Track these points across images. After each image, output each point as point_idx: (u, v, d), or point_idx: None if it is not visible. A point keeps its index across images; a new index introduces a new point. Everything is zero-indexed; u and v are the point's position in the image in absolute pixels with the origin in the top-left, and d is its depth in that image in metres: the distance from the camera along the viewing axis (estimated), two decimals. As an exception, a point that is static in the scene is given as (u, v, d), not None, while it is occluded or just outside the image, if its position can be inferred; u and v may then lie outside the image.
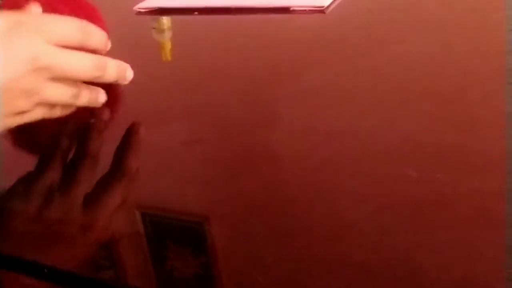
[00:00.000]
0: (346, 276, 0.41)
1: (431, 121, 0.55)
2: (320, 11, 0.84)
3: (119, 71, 0.56)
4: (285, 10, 0.86)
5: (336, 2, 0.86)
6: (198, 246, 0.46)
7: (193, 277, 0.43)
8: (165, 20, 0.88)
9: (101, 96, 0.56)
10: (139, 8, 0.96)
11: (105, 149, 0.57)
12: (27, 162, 0.57)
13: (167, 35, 0.86)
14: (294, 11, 0.85)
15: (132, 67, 0.58)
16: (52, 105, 0.53)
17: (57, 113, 0.54)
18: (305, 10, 0.85)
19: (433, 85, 0.62)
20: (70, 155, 0.57)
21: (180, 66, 0.77)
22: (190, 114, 0.63)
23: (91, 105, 0.56)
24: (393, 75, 0.65)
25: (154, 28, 0.87)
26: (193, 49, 0.80)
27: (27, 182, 0.53)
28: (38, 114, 0.52)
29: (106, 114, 0.61)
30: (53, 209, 0.50)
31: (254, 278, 0.41)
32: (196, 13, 0.91)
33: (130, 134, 0.58)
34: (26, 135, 0.60)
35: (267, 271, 0.42)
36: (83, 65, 0.52)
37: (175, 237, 0.47)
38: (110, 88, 0.58)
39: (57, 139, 0.58)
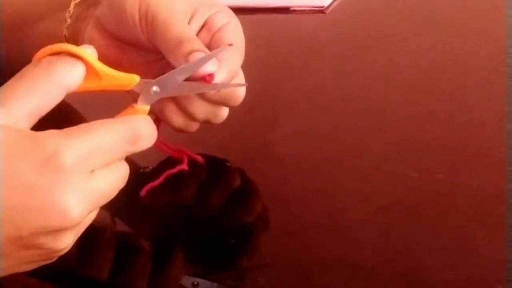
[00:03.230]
0: (346, 276, 0.41)
1: (431, 121, 0.55)
2: (320, 11, 0.84)
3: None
4: (285, 10, 0.86)
5: (336, 2, 0.86)
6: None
7: (193, 277, 0.43)
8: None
9: None
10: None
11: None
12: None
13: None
14: (294, 11, 0.85)
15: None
16: None
17: None
18: (305, 10, 0.85)
19: (433, 85, 0.61)
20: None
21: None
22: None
23: None
24: (393, 75, 0.65)
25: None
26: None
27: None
28: None
29: None
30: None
31: (254, 278, 0.41)
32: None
33: None
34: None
35: (267, 271, 0.42)
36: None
37: (175, 237, 0.47)
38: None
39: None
